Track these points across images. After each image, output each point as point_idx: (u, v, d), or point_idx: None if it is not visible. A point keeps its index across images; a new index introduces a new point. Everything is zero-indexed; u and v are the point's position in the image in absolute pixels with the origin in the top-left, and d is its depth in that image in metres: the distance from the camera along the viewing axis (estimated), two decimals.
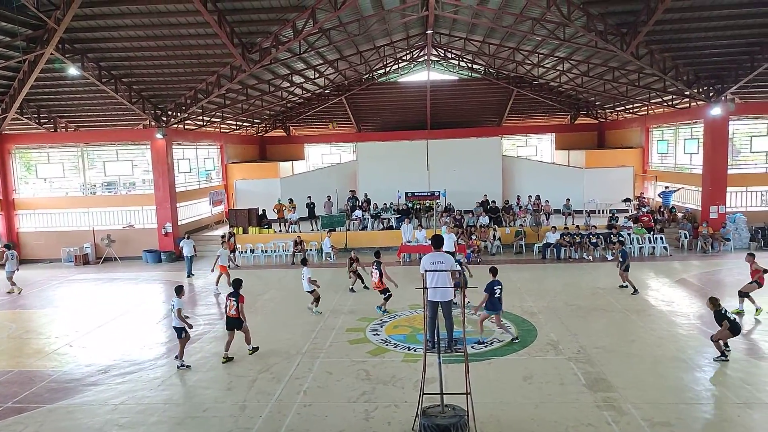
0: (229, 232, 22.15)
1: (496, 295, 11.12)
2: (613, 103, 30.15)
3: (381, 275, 13.85)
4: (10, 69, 19.12)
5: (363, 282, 16.50)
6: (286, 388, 9.66)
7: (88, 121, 24.35)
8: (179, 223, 23.75)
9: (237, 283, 11.45)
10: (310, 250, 21.49)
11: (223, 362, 10.97)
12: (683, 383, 9.38)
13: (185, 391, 9.91)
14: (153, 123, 22.67)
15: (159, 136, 22.47)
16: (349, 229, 23.16)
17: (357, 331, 12.61)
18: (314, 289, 14.20)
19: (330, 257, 21.10)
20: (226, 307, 11.52)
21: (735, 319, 10.52)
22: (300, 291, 15.58)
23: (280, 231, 23.65)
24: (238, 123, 31.14)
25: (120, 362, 11.28)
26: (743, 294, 13.00)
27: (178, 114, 22.73)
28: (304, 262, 15.36)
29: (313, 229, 23.58)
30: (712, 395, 8.99)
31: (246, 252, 21.76)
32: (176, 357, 11.06)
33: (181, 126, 24.71)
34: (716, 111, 20.89)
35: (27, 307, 16.31)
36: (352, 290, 16.35)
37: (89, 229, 23.46)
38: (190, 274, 19.21)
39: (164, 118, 22.64)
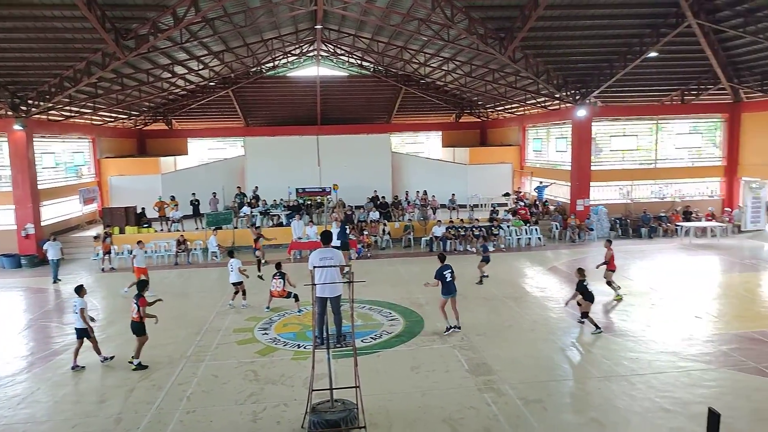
0: (105, 233, 20.52)
1: (447, 280, 11.46)
2: (494, 103, 31.93)
3: (284, 284, 13.40)
4: None
5: (260, 269, 16.38)
6: (168, 396, 9.15)
7: None
8: (43, 223, 21.55)
9: (141, 285, 10.95)
10: (195, 249, 20.52)
11: (133, 369, 10.31)
12: (553, 362, 10.19)
13: (50, 407, 9.02)
14: (10, 113, 20.32)
15: (18, 127, 20.21)
16: (237, 227, 22.42)
17: (245, 332, 12.26)
18: (242, 281, 13.90)
19: (216, 256, 20.31)
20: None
21: (588, 288, 11.73)
22: (183, 293, 14.90)
23: (162, 230, 22.33)
24: (113, 115, 28.88)
25: None
26: (608, 282, 14.05)
27: (41, 103, 20.58)
28: (231, 253, 14.78)
29: (197, 228, 22.53)
30: (577, 371, 9.85)
31: (123, 253, 20.27)
32: (104, 359, 10.64)
33: (45, 117, 22.41)
34: (581, 112, 22.87)
35: None
36: (261, 277, 16.09)
37: None
38: (56, 280, 17.51)
39: (24, 108, 20.39)
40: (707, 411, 6.02)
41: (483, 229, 21.39)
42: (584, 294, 11.61)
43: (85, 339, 10.57)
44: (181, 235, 20.43)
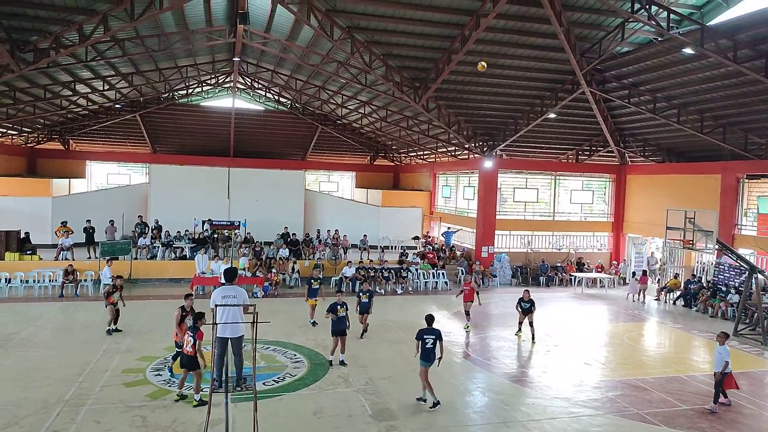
0: None
1: (428, 346, 10.10)
2: (407, 148, 32.95)
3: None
4: None
5: (115, 322, 13.99)
6: None
7: None
8: None
9: (198, 317, 9.98)
10: (85, 281, 18.97)
11: (194, 406, 9.63)
12: (454, 407, 10.31)
13: None
14: None
15: None
16: (136, 258, 21.07)
17: (136, 372, 11.36)
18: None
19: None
20: (183, 342, 10.00)
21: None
22: (67, 328, 13.69)
23: (57, 258, 20.35)
24: (1, 129, 26.56)
25: None
26: (466, 312, 15.80)
27: None
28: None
29: (90, 257, 20.92)
30: (478, 417, 10.03)
31: (1, 281, 18.29)
32: None
33: None
34: (488, 164, 24.15)
35: None
36: (110, 332, 13.84)
37: None
38: None
39: None
40: None
41: (392, 271, 21.64)
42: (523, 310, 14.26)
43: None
44: (70, 265, 18.82)
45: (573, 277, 23.83)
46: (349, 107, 27.30)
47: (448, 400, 10.62)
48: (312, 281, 15.85)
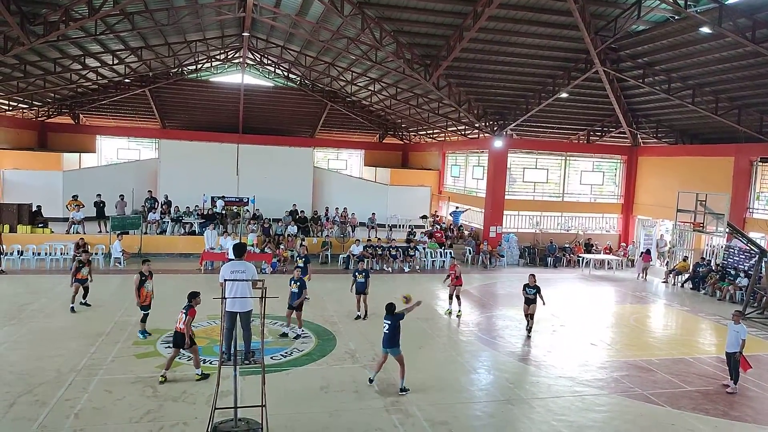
0: None
1: (384, 330, 9.93)
2: (417, 126, 32.74)
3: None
4: None
5: (85, 297, 13.94)
6: (53, 412, 8.39)
7: None
8: None
9: (192, 295, 9.92)
10: (96, 254, 19.18)
11: (161, 382, 9.61)
12: (460, 384, 10.42)
13: None
14: None
15: None
16: (146, 233, 21.25)
17: (147, 344, 11.55)
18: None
19: (120, 262, 19.10)
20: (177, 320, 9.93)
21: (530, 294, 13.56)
22: (78, 301, 13.87)
23: (68, 231, 20.60)
24: (11, 103, 26.64)
25: None
26: (454, 296, 15.18)
27: None
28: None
29: (100, 231, 21.13)
30: (483, 394, 10.13)
31: (13, 254, 18.56)
32: None
33: None
34: (498, 143, 23.97)
35: None
36: (73, 309, 13.56)
37: None
38: None
39: None
40: None
41: (399, 249, 21.70)
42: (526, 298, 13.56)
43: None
44: (81, 238, 19.02)
45: (581, 258, 23.78)
46: (359, 84, 27.08)
47: (453, 377, 10.73)
48: (297, 259, 15.92)
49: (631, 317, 16.27)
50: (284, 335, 12.53)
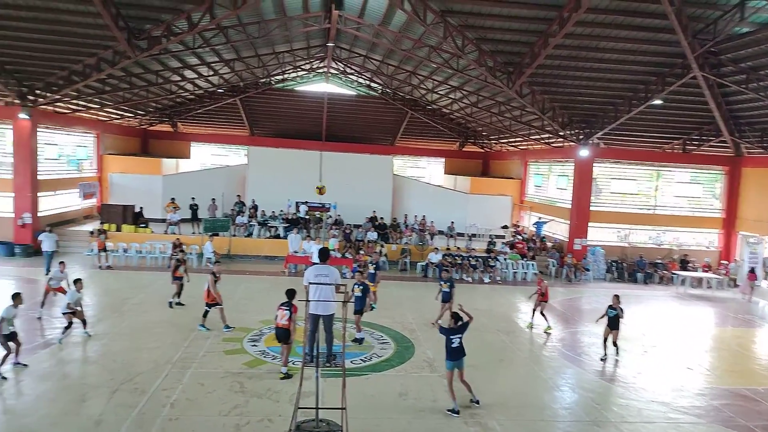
0: (99, 229, 20.35)
1: (453, 346, 9.43)
2: (498, 135, 32.18)
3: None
4: None
5: (179, 296, 14.75)
6: (151, 401, 8.98)
7: None
8: (40, 214, 21.40)
9: (291, 293, 10.48)
10: (190, 253, 20.36)
11: (282, 378, 10.19)
12: (543, 402, 10.08)
13: (31, 401, 8.84)
14: (17, 101, 20.31)
15: (23, 116, 20.21)
16: (234, 235, 22.33)
17: (234, 341, 12.10)
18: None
19: (211, 262, 20.11)
20: (276, 316, 10.44)
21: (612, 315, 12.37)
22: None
23: (166, 232, 22.12)
24: (119, 112, 28.93)
25: None
26: (541, 312, 14.54)
27: (48, 94, 20.59)
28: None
29: (194, 232, 22.43)
30: (567, 413, 9.73)
31: (118, 251, 20.11)
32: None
33: (51, 108, 22.39)
34: (584, 152, 23.07)
35: None
36: (171, 305, 14.51)
37: None
38: (48, 272, 17.29)
39: (31, 98, 20.39)
40: None
41: (479, 259, 21.37)
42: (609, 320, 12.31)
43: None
44: (177, 239, 20.27)
45: (675, 276, 22.31)
46: (440, 92, 27.04)
47: (535, 393, 10.40)
48: (369, 265, 15.86)
49: (733, 341, 15.04)
50: (357, 340, 12.63)
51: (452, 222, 25.17)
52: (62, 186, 23.84)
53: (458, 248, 22.53)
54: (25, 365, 10.07)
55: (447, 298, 13.92)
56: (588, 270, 22.56)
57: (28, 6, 16.19)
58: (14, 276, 17.31)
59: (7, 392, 9.11)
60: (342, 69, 28.56)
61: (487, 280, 20.83)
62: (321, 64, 28.04)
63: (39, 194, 21.34)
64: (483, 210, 27.97)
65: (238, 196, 25.52)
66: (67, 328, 11.53)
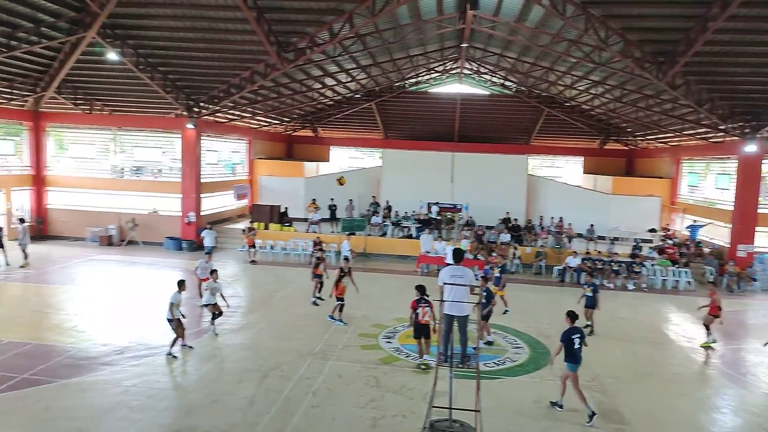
0: (248, 227, 22.30)
1: (575, 347, 9.19)
2: (645, 131, 29.75)
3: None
4: (51, 49, 19.56)
5: (319, 291, 15.40)
6: (296, 387, 9.67)
7: (123, 106, 24.77)
8: (202, 213, 24.02)
9: (423, 288, 10.86)
10: (329, 251, 21.52)
11: (423, 369, 10.66)
12: (699, 423, 9.16)
13: (196, 380, 9.98)
14: (185, 113, 23.00)
15: (190, 126, 22.81)
16: (369, 234, 23.21)
17: (370, 337, 12.58)
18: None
19: (348, 260, 21.10)
20: (417, 314, 10.75)
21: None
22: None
23: (307, 231, 23.71)
24: (267, 120, 31.46)
25: (135, 345, 11.41)
26: (706, 326, 13.23)
27: (210, 106, 23.05)
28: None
29: (333, 231, 23.67)
30: None
31: (266, 248, 21.91)
32: (170, 354, 11.08)
33: (212, 118, 25.02)
34: (751, 148, 20.49)
35: (49, 282, 16.62)
36: (315, 302, 15.22)
37: (115, 211, 23.83)
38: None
39: (196, 109, 22.96)
40: None
41: (622, 264, 19.95)
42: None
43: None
44: (318, 237, 21.56)
45: None
46: (579, 88, 25.68)
47: (689, 413, 9.49)
48: (495, 268, 15.23)
49: None
50: (488, 343, 12.44)
51: (592, 225, 23.76)
52: (219, 188, 26.52)
53: (599, 252, 21.21)
54: (191, 347, 11.38)
55: (590, 303, 13.45)
56: (755, 280, 19.98)
57: (193, 28, 18.32)
58: (181, 268, 19.58)
59: (176, 370, 10.37)
60: (476, 69, 28.33)
61: (631, 286, 19.36)
62: (454, 65, 28.07)
63: (202, 195, 23.93)
64: (627, 212, 26.03)
65: (373, 197, 26.47)
66: (214, 318, 12.53)
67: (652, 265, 20.25)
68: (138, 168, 25.32)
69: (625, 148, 34.59)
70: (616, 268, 19.81)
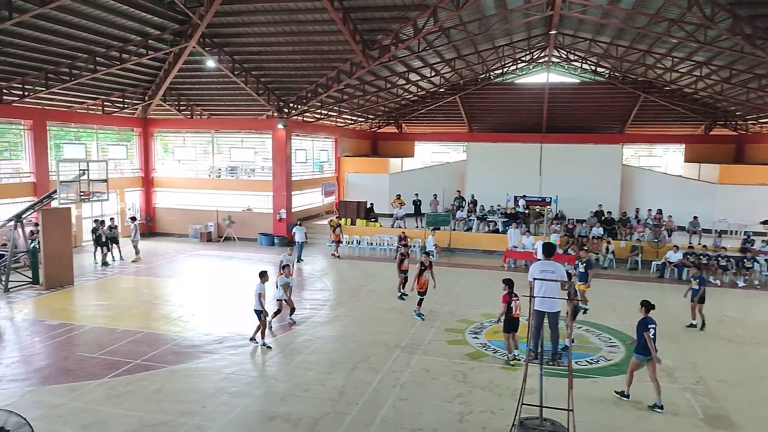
0: (331, 223, 22.86)
1: (651, 336, 8.97)
2: (758, 114, 27.22)
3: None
4: (157, 60, 21.16)
5: (403, 287, 15.27)
6: (384, 380, 9.85)
7: (220, 110, 26.35)
8: (293, 210, 25.00)
9: (512, 283, 10.68)
10: (414, 246, 21.66)
11: (512, 364, 10.56)
12: None
13: (289, 370, 10.44)
14: (276, 114, 24.02)
15: (280, 126, 23.78)
16: (454, 229, 23.07)
17: (456, 332, 12.54)
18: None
19: (432, 255, 21.09)
20: (510, 308, 10.55)
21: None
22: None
23: (392, 226, 24.00)
24: (353, 118, 32.10)
25: (234, 335, 12.13)
26: None
27: (299, 106, 23.90)
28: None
29: (417, 227, 23.76)
30: None
31: (352, 243, 22.43)
32: (251, 338, 11.56)
33: (300, 118, 25.93)
34: None
35: (158, 275, 18.07)
36: (401, 297, 15.18)
37: (213, 209, 25.40)
38: (299, 260, 20.15)
39: (286, 110, 23.90)
40: None
41: (731, 260, 18.43)
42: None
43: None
44: (403, 232, 21.72)
45: None
46: (681, 70, 23.94)
47: None
48: (579, 264, 14.21)
49: None
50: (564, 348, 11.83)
51: (695, 217, 22.12)
52: (308, 185, 27.47)
53: (704, 246, 19.72)
54: (269, 347, 11.53)
55: (695, 296, 13.02)
56: None
57: (284, 32, 19.09)
58: (273, 262, 20.46)
59: (270, 360, 10.90)
60: (564, 56, 27.26)
61: (741, 283, 17.84)
62: (542, 54, 27.15)
63: (292, 193, 24.90)
64: (736, 202, 23.96)
65: (458, 191, 26.26)
66: (276, 313, 12.74)
67: (766, 260, 18.53)
68: (233, 168, 26.79)
69: (734, 133, 31.83)
70: (723, 263, 18.34)
